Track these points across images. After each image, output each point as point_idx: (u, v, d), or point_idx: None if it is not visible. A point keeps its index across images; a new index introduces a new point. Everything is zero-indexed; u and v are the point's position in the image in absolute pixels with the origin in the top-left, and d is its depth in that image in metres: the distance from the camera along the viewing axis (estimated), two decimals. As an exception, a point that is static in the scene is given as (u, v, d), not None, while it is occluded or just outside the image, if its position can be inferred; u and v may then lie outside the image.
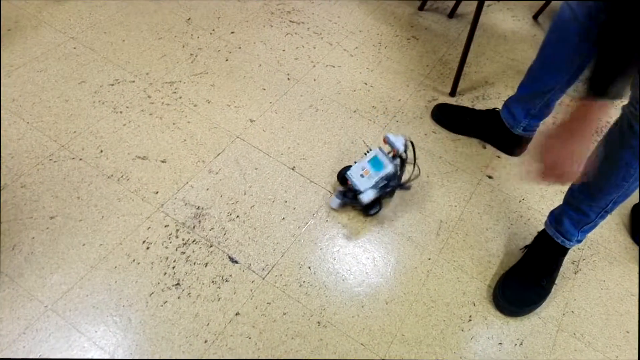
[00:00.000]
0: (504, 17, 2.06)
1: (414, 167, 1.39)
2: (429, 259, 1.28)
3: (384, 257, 1.27)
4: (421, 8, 2.03)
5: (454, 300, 1.21)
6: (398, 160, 1.27)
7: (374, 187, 1.25)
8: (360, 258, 1.26)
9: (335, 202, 1.32)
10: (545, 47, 1.29)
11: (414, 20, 1.97)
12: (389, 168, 1.25)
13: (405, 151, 1.26)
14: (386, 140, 1.25)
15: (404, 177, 1.35)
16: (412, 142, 1.31)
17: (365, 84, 1.68)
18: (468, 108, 1.60)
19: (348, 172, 1.28)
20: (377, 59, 1.78)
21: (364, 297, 1.19)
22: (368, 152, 1.29)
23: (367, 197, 1.23)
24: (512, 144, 1.53)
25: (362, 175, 1.26)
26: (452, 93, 1.70)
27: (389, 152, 1.28)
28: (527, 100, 1.39)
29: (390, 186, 1.31)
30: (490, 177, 1.49)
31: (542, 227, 1.29)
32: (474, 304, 1.21)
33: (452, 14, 2.02)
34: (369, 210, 1.32)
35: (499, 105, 1.66)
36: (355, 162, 1.29)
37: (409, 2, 2.05)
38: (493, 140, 1.56)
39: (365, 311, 1.17)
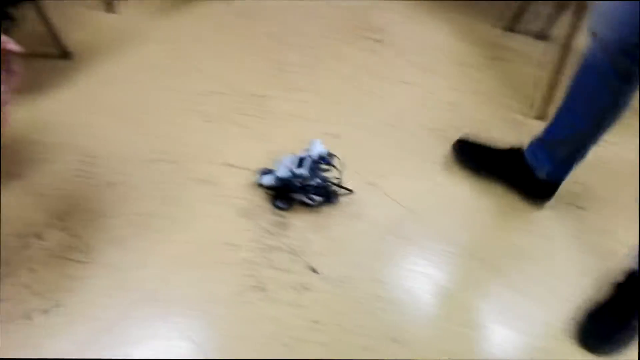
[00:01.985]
0: (597, 40, 1.99)
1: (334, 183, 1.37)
2: (509, 285, 1.26)
3: (461, 279, 1.27)
4: (509, 29, 2.00)
5: (533, 330, 1.19)
6: (320, 171, 1.32)
7: (283, 178, 1.28)
8: (436, 278, 1.26)
9: (259, 177, 1.35)
10: (573, 90, 1.20)
11: (501, 40, 1.96)
12: (302, 170, 1.28)
13: (327, 162, 1.31)
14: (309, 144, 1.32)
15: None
16: (333, 155, 1.35)
17: (447, 103, 1.69)
18: (489, 146, 1.47)
19: (283, 157, 1.33)
20: (460, 79, 1.78)
21: (441, 318, 1.20)
22: (308, 150, 1.33)
23: (265, 179, 1.31)
24: (534, 189, 1.40)
25: (287, 166, 1.30)
26: (540, 116, 1.66)
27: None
28: (553, 144, 1.29)
29: (308, 190, 1.31)
30: (580, 207, 1.44)
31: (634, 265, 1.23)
32: (555, 338, 1.18)
33: (541, 36, 1.97)
34: (276, 201, 1.34)
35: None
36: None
37: (496, 22, 2.03)
38: (514, 183, 1.42)
39: (442, 333, 1.17)
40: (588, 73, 1.14)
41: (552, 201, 1.43)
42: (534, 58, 1.89)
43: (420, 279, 1.26)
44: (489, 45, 1.92)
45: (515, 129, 1.63)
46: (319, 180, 1.32)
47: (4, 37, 0.98)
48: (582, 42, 1.95)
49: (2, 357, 1.05)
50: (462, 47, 1.90)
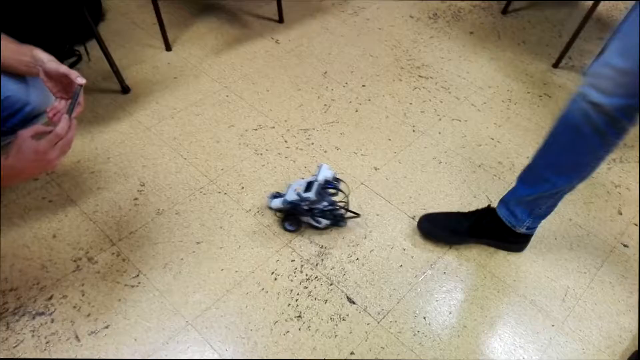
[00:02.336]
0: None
1: (346, 204, 1.37)
2: (553, 325, 1.23)
3: (503, 317, 1.24)
4: (556, 65, 1.99)
5: (579, 373, 1.15)
6: (328, 194, 1.33)
7: (291, 201, 1.31)
8: (477, 315, 1.24)
9: (269, 201, 1.38)
10: (552, 146, 1.11)
11: (547, 77, 1.95)
12: (310, 194, 1.29)
13: (334, 186, 1.33)
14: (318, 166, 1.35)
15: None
16: (340, 179, 1.37)
17: (492, 139, 1.69)
18: (458, 213, 1.41)
19: (292, 182, 1.38)
20: (506, 115, 1.78)
21: (480, 355, 1.17)
22: (316, 174, 1.35)
23: (273, 203, 1.35)
24: (515, 242, 1.36)
25: (295, 189, 1.33)
26: (586, 154, 1.63)
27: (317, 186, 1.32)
28: (531, 201, 1.21)
29: (316, 214, 1.34)
30: (625, 245, 1.40)
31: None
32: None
33: (589, 73, 1.95)
34: (284, 223, 1.38)
35: (638, 170, 1.56)
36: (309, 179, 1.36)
37: (543, 59, 2.03)
38: (494, 241, 1.37)
39: (480, 370, 1.15)
40: (569, 129, 1.05)
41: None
42: (580, 95, 1.86)
43: (462, 314, 1.24)
44: (536, 82, 1.92)
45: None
46: (325, 203, 1.34)
47: (73, 71, 1.07)
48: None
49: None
50: (509, 84, 1.90)
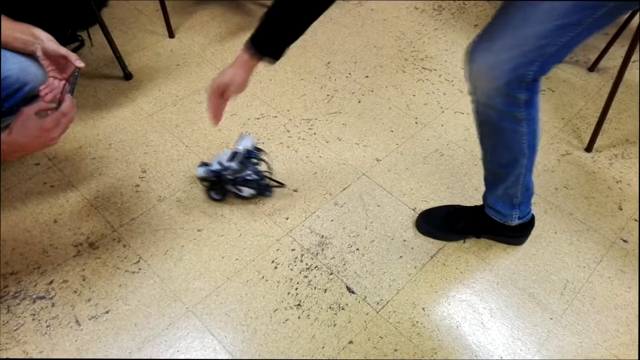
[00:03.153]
0: (652, 73, 1.94)
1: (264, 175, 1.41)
2: (551, 318, 1.23)
3: (502, 309, 1.25)
4: (559, 60, 1.99)
5: (576, 365, 1.15)
6: (252, 164, 1.36)
7: (214, 170, 1.33)
8: (476, 307, 1.25)
9: (197, 170, 1.38)
10: (483, 144, 1.18)
11: (551, 71, 1.94)
12: (232, 163, 1.32)
13: (255, 155, 1.35)
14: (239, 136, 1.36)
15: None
16: (261, 149, 1.38)
17: (494, 133, 1.69)
18: (455, 209, 1.41)
19: (222, 153, 1.37)
20: (508, 109, 1.77)
21: (478, 347, 1.18)
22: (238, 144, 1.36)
23: (198, 172, 1.36)
24: (514, 235, 1.36)
25: (219, 159, 1.35)
26: (589, 148, 1.63)
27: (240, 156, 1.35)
28: (504, 195, 1.24)
29: (239, 182, 1.36)
30: (625, 240, 1.40)
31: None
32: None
33: (593, 68, 1.95)
34: (210, 192, 1.41)
35: (631, 166, 1.56)
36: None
37: (546, 53, 2.02)
38: (493, 236, 1.37)
39: (478, 361, 1.15)
40: (489, 124, 1.11)
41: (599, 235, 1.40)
42: (584, 90, 1.86)
43: (460, 305, 1.24)
44: (537, 76, 1.91)
45: (563, 160, 1.60)
46: (249, 172, 1.35)
47: (73, 54, 1.08)
48: (634, 74, 1.92)
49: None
50: (509, 77, 1.89)
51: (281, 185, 1.45)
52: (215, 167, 1.33)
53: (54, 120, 0.95)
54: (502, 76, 0.97)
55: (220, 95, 1.15)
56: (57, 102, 1.04)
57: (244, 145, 1.34)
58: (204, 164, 1.37)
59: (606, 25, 0.95)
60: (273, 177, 1.42)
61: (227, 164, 1.32)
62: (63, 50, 1.08)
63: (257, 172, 1.37)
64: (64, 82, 1.11)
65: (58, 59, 1.10)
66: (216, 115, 1.17)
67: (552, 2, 0.89)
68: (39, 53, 1.08)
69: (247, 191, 1.38)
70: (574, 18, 0.90)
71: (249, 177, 1.36)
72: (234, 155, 1.33)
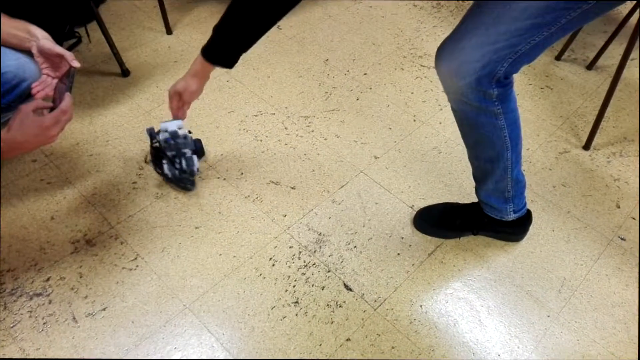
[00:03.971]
0: (651, 71, 1.94)
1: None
2: (548, 316, 1.23)
3: (499, 307, 1.25)
4: (558, 58, 1.99)
5: (573, 363, 1.16)
6: (191, 146, 1.37)
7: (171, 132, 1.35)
8: (474, 304, 1.25)
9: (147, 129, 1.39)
10: (465, 141, 1.20)
11: (550, 69, 1.94)
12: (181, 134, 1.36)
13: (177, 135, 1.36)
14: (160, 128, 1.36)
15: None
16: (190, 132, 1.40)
17: (492, 130, 1.68)
18: (452, 206, 1.41)
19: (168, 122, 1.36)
20: (506, 107, 1.77)
21: (475, 344, 1.18)
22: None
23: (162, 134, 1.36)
24: (512, 231, 1.36)
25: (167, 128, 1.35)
26: (587, 146, 1.63)
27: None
28: (495, 189, 1.24)
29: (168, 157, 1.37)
30: (622, 238, 1.41)
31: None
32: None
33: (591, 66, 1.95)
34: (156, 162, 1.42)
35: (637, 164, 1.56)
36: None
37: (546, 51, 2.02)
38: (490, 232, 1.37)
39: None
40: (468, 122, 1.13)
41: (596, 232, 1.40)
42: (582, 88, 1.86)
43: (458, 303, 1.24)
44: (538, 74, 1.91)
45: (561, 158, 1.60)
46: (188, 152, 1.37)
47: (69, 53, 1.08)
48: (632, 72, 1.92)
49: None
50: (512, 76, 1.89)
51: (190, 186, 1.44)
52: (166, 134, 1.35)
53: (54, 118, 0.95)
54: (472, 73, 0.98)
55: (179, 99, 1.25)
56: (52, 100, 1.04)
57: (171, 127, 1.35)
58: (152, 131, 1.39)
59: (581, 25, 0.96)
60: (193, 177, 1.43)
61: (180, 132, 1.35)
62: (59, 49, 1.08)
63: (189, 162, 1.38)
64: (56, 80, 1.12)
65: (53, 58, 1.10)
66: (176, 116, 1.31)
67: (527, 1, 0.89)
68: (34, 50, 1.08)
69: (167, 171, 1.39)
70: (548, 17, 0.90)
71: (186, 154, 1.37)
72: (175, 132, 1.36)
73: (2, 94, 1.14)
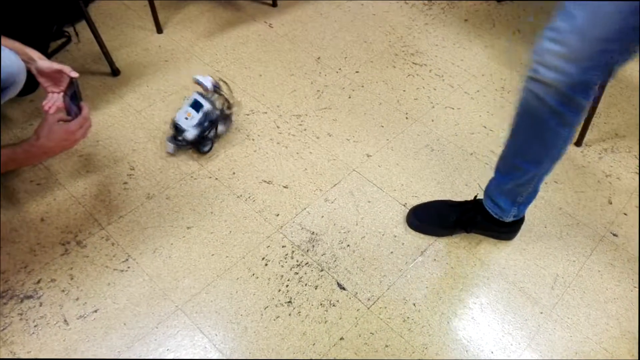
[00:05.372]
0: (641, 67, 1.95)
1: (226, 105, 1.51)
2: (541, 312, 1.24)
3: (492, 304, 1.25)
4: (549, 54, 1.99)
5: None
6: (215, 97, 1.46)
7: (197, 125, 1.43)
8: (467, 301, 1.25)
9: (170, 146, 1.47)
10: (516, 134, 1.11)
11: (540, 66, 1.94)
12: (206, 106, 1.43)
13: (219, 89, 1.46)
14: (196, 82, 1.45)
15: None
16: (224, 81, 1.52)
17: (485, 127, 1.69)
18: (446, 203, 1.40)
19: (174, 118, 1.45)
20: (499, 104, 1.77)
21: (468, 342, 1.18)
22: (187, 98, 1.46)
23: (190, 134, 1.43)
24: (505, 231, 1.36)
25: (186, 118, 1.43)
26: (578, 143, 1.64)
27: (208, 93, 1.46)
28: (510, 190, 1.21)
29: (214, 121, 1.45)
30: (615, 234, 1.41)
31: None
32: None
33: (582, 62, 1.95)
34: (201, 147, 1.48)
35: (628, 160, 1.57)
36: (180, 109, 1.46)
37: (536, 48, 2.02)
38: (483, 231, 1.36)
39: (469, 357, 1.15)
40: (527, 117, 1.05)
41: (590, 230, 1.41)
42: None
43: (451, 300, 1.24)
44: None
45: (552, 155, 1.60)
46: (217, 112, 1.47)
47: (66, 67, 1.17)
48: (625, 69, 1.93)
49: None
50: (503, 72, 1.89)
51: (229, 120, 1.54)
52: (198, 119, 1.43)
53: (78, 123, 1.12)
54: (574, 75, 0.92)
55: None
56: (66, 112, 1.19)
57: (208, 83, 1.45)
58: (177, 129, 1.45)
59: None
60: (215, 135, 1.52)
61: (202, 110, 1.43)
62: (56, 65, 1.16)
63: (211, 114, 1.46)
64: (62, 94, 1.22)
65: (53, 74, 1.18)
66: None
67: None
68: (34, 72, 1.15)
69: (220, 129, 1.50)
70: None
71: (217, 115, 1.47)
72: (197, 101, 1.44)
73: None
